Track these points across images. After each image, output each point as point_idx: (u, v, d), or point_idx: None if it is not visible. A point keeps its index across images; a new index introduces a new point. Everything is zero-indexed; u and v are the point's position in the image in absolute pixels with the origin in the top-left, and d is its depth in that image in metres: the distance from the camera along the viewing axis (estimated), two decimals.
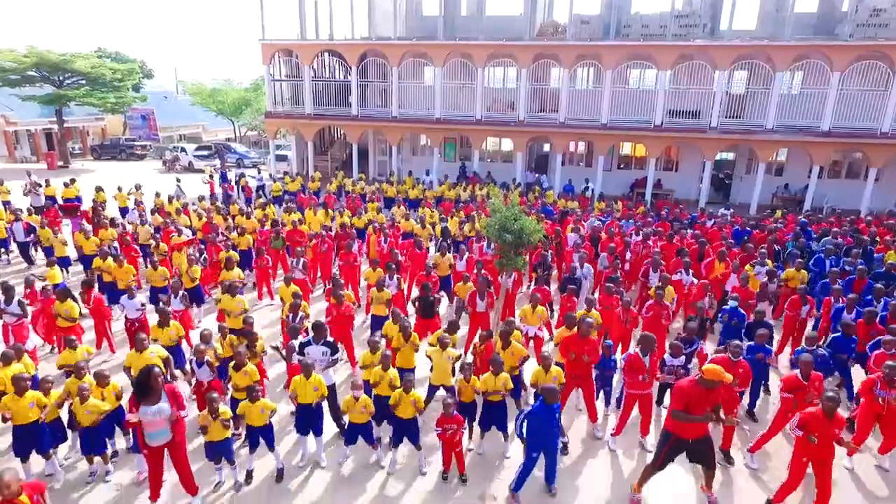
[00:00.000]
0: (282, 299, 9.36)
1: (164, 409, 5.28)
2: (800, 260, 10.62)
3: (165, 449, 5.50)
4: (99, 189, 16.97)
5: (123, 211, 16.78)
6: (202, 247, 11.98)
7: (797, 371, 6.34)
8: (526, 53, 21.77)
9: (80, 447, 6.19)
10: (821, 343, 8.02)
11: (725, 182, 24.22)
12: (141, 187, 17.76)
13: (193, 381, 7.07)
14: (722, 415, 5.52)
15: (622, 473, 6.56)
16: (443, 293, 10.85)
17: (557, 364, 6.90)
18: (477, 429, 6.85)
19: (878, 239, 12.85)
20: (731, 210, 17.28)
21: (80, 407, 5.80)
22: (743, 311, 8.68)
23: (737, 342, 6.70)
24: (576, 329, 7.04)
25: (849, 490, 6.33)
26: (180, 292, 9.17)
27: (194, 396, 7.18)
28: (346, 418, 6.44)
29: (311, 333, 6.95)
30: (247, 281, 11.56)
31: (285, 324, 8.06)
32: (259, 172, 22.97)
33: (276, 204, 17.72)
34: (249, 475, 6.26)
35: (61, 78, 29.76)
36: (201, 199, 16.98)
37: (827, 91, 19.13)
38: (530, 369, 7.08)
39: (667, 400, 7.45)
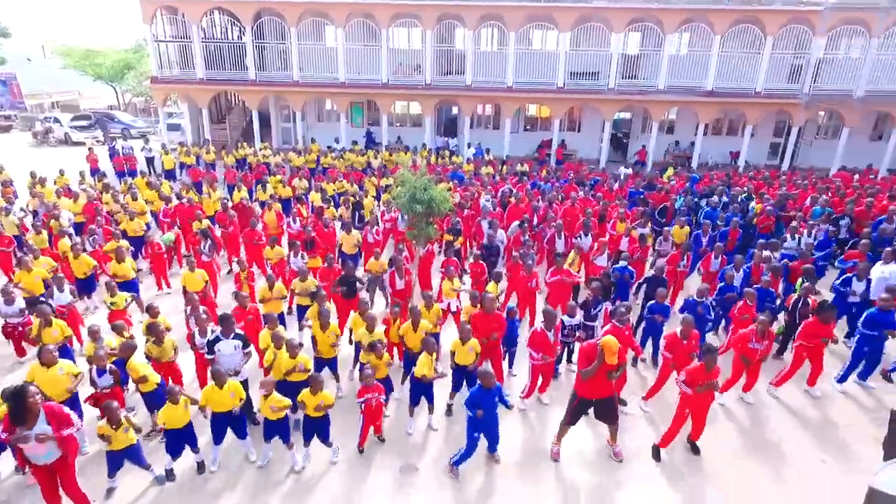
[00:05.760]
0: (185, 288, 8.80)
1: (44, 430, 4.71)
2: (684, 218, 11.51)
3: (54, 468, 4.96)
4: None
5: None
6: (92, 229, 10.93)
7: (679, 329, 6.83)
8: (430, 13, 21.30)
9: None
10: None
11: (623, 141, 25.55)
12: (3, 170, 15.69)
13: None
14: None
15: (533, 429, 7.00)
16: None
17: None
18: (405, 406, 6.97)
19: (753, 195, 14.16)
20: (628, 169, 18.17)
21: None
22: (631, 268, 9.42)
23: (622, 309, 6.91)
24: (479, 306, 7.25)
25: (722, 423, 7.16)
26: (65, 285, 8.37)
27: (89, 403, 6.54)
28: (260, 416, 6.21)
29: (220, 327, 6.48)
30: (142, 268, 10.78)
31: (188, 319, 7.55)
32: (147, 143, 20.86)
33: (168, 179, 16.41)
34: (170, 473, 5.96)
35: None
36: (82, 176, 15.33)
37: (709, 53, 20.51)
38: (449, 340, 7.22)
39: (574, 357, 7.93)
